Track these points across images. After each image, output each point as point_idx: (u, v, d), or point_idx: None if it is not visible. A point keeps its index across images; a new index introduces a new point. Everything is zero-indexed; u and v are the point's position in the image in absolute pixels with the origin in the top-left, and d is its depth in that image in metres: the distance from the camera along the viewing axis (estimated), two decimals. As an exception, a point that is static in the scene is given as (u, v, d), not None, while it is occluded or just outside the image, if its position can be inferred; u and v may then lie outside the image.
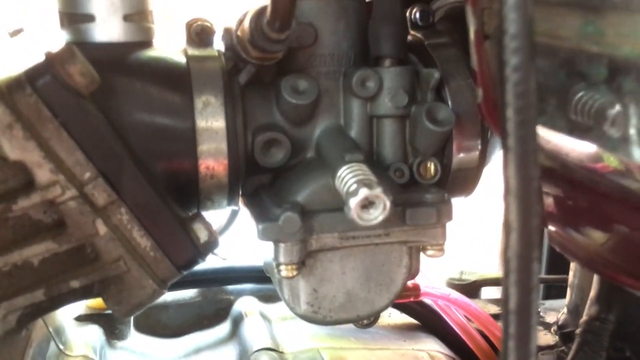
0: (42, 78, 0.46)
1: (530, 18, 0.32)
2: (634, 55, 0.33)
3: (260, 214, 0.55)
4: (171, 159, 0.55)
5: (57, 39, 0.56)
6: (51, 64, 0.46)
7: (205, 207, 0.59)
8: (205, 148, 0.55)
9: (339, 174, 0.51)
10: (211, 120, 0.55)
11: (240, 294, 0.90)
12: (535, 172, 0.34)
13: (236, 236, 0.85)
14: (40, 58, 0.47)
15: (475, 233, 1.73)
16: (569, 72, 0.39)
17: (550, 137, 0.45)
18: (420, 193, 0.57)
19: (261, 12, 0.50)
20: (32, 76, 0.46)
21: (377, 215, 0.47)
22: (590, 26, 0.37)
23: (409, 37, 0.63)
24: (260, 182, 0.61)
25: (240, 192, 0.61)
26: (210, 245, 0.54)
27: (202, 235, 0.54)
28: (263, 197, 0.58)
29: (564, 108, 0.41)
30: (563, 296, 0.94)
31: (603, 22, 0.36)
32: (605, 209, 0.47)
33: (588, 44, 0.37)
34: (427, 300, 0.87)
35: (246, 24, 0.52)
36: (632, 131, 0.35)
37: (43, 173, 0.47)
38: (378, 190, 0.47)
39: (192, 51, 0.57)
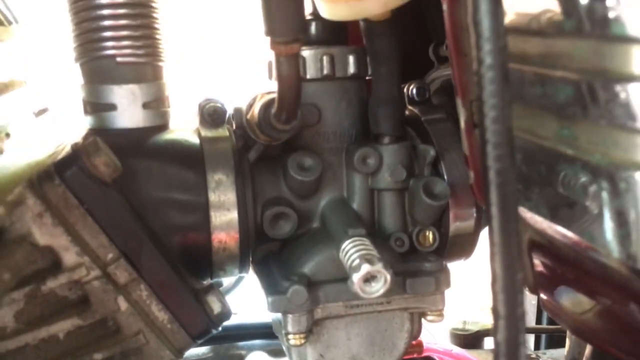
0: (70, 169, 0.51)
1: (509, 116, 0.36)
2: (605, 163, 0.37)
3: (269, 285, 0.59)
4: (186, 233, 0.59)
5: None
6: (78, 156, 0.51)
7: (218, 276, 0.63)
8: (217, 223, 0.59)
9: (342, 247, 0.55)
10: (223, 198, 0.59)
11: (250, 349, 0.93)
12: (518, 266, 0.38)
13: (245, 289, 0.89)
14: (68, 150, 0.52)
15: (478, 283, 1.75)
16: (549, 168, 0.43)
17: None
18: (420, 262, 0.61)
19: (269, 104, 0.54)
20: (60, 168, 0.51)
21: (378, 288, 0.51)
22: (565, 130, 0.41)
23: (407, 112, 0.67)
24: (269, 249, 0.65)
25: (250, 259, 0.65)
26: (223, 316, 0.58)
27: (216, 307, 0.58)
28: (272, 267, 0.62)
29: (546, 196, 0.45)
30: (564, 345, 0.96)
31: (577, 129, 0.40)
32: (589, 282, 0.50)
33: (564, 147, 0.41)
34: (431, 356, 0.90)
35: (255, 110, 0.57)
36: (608, 229, 0.39)
37: (70, 256, 0.51)
38: (379, 266, 0.50)
39: (205, 132, 0.61)
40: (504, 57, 0.36)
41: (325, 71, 0.61)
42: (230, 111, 0.65)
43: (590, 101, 0.37)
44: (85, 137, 0.53)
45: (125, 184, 0.55)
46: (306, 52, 0.61)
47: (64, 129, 0.67)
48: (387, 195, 0.62)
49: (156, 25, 0.60)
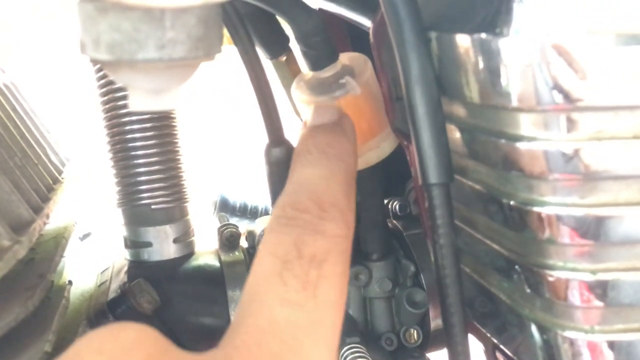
0: (120, 308, 0.64)
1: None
2: (531, 316, 0.50)
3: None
4: (211, 344, 0.71)
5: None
6: (126, 297, 0.64)
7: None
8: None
9: (341, 353, 0.67)
10: (241, 313, 0.72)
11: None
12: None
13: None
14: (118, 290, 0.65)
15: None
16: (494, 304, 0.55)
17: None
18: (407, 358, 0.73)
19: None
20: (112, 306, 0.64)
21: (371, 390, 0.64)
22: (504, 283, 0.53)
23: (390, 225, 0.80)
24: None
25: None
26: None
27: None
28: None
29: (493, 323, 0.57)
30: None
31: (512, 286, 0.52)
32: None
33: (504, 296, 0.53)
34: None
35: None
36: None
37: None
38: (371, 372, 0.63)
39: (225, 256, 0.74)
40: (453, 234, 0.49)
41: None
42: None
43: (516, 275, 0.50)
44: (130, 277, 0.66)
45: (162, 308, 0.68)
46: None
47: (104, 252, 0.80)
48: (377, 302, 0.75)
49: (181, 170, 0.74)
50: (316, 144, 0.44)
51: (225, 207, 1.18)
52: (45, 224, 0.56)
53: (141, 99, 0.39)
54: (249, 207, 1.20)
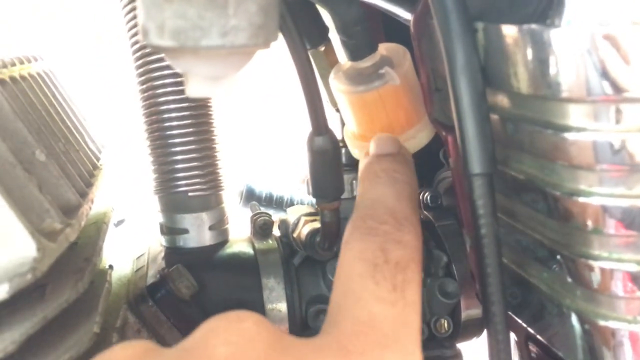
0: (159, 292, 0.65)
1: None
2: (573, 306, 0.50)
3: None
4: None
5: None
6: (165, 282, 0.65)
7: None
8: (271, 321, 0.72)
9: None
10: (275, 300, 0.73)
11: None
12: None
13: None
14: (157, 275, 0.66)
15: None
16: (531, 293, 0.56)
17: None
18: (438, 348, 0.74)
19: (314, 232, 0.68)
20: (152, 291, 0.65)
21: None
22: (545, 273, 0.54)
23: (422, 217, 0.81)
24: (312, 335, 0.78)
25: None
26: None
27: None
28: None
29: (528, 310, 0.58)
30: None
31: (553, 276, 0.53)
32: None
33: (543, 285, 0.54)
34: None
35: (302, 233, 0.71)
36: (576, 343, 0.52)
37: (161, 360, 0.65)
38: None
39: (258, 244, 0.75)
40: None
41: (355, 192, 0.74)
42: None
43: (557, 265, 0.50)
44: (168, 263, 0.67)
45: (198, 294, 0.69)
46: (339, 177, 0.75)
47: (139, 238, 0.81)
48: (409, 292, 0.75)
49: (217, 158, 0.75)
50: (384, 169, 0.50)
51: (251, 197, 1.19)
52: (90, 208, 0.57)
53: (199, 86, 0.39)
54: (275, 197, 1.21)
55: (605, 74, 0.41)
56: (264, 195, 1.19)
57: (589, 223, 0.46)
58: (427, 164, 0.88)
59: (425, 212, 0.82)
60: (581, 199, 0.45)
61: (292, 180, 1.23)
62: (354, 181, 0.74)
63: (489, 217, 0.49)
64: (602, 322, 0.48)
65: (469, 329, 0.79)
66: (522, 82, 0.46)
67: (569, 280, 0.50)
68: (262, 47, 0.38)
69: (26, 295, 0.46)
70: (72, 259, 0.55)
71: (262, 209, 1.19)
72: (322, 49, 0.68)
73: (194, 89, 0.40)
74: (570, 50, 0.42)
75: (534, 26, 0.44)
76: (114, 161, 0.81)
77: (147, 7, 0.36)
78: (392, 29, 0.82)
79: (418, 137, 0.66)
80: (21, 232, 0.42)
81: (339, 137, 0.61)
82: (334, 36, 0.65)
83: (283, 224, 0.77)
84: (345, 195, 0.75)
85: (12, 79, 0.57)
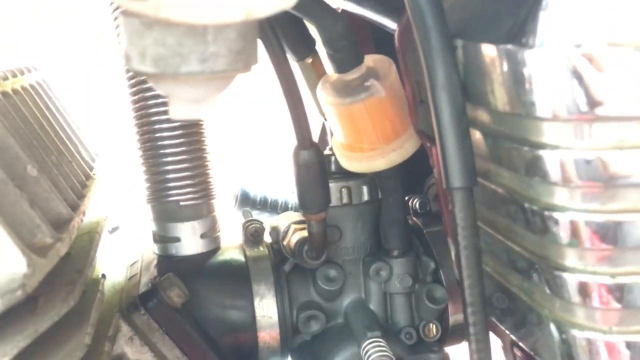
0: (151, 301, 0.66)
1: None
2: (551, 316, 0.52)
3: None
4: (237, 336, 0.74)
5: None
6: (157, 291, 0.66)
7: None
8: (262, 328, 0.74)
9: (362, 346, 0.69)
10: (266, 306, 0.74)
11: None
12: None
13: None
14: (149, 284, 0.67)
15: None
16: (513, 303, 0.57)
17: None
18: (426, 352, 0.75)
19: (302, 241, 0.69)
20: (144, 300, 0.66)
21: (392, 383, 0.66)
22: (525, 283, 0.55)
23: (410, 222, 0.82)
24: (303, 339, 0.80)
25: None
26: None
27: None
28: (305, 357, 0.77)
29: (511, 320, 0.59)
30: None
31: (533, 287, 0.54)
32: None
33: (524, 295, 0.55)
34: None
35: (292, 241, 0.72)
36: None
37: (152, 367, 0.67)
38: (392, 365, 0.65)
39: (249, 251, 0.77)
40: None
41: (344, 200, 0.75)
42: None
43: (536, 276, 0.52)
44: (160, 271, 0.68)
45: (190, 301, 0.71)
46: (330, 185, 0.76)
47: (132, 245, 0.82)
48: (398, 297, 0.77)
49: (208, 167, 0.76)
50: None
51: (245, 200, 1.20)
52: (81, 220, 0.59)
53: (182, 108, 0.41)
54: (269, 201, 1.22)
55: (578, 94, 0.43)
56: (258, 198, 1.20)
57: (565, 237, 0.47)
58: (417, 170, 0.90)
59: (414, 218, 0.83)
60: (557, 214, 0.47)
61: (286, 183, 1.24)
62: (343, 189, 0.75)
63: (468, 230, 0.50)
64: (579, 332, 0.50)
65: (457, 333, 0.80)
66: (499, 100, 0.47)
67: (548, 291, 0.51)
68: (242, 71, 0.40)
69: (18, 309, 0.47)
70: (65, 270, 0.56)
71: (257, 213, 1.21)
72: (310, 60, 0.69)
73: (176, 112, 0.41)
74: (544, 71, 0.43)
75: (509, 46, 0.45)
76: (108, 169, 0.82)
77: (129, 34, 0.37)
78: (381, 39, 0.83)
79: (405, 147, 0.67)
80: (12, 248, 0.44)
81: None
82: (321, 48, 0.66)
83: (274, 231, 0.79)
84: (334, 203, 0.76)
85: (4, 93, 0.58)
